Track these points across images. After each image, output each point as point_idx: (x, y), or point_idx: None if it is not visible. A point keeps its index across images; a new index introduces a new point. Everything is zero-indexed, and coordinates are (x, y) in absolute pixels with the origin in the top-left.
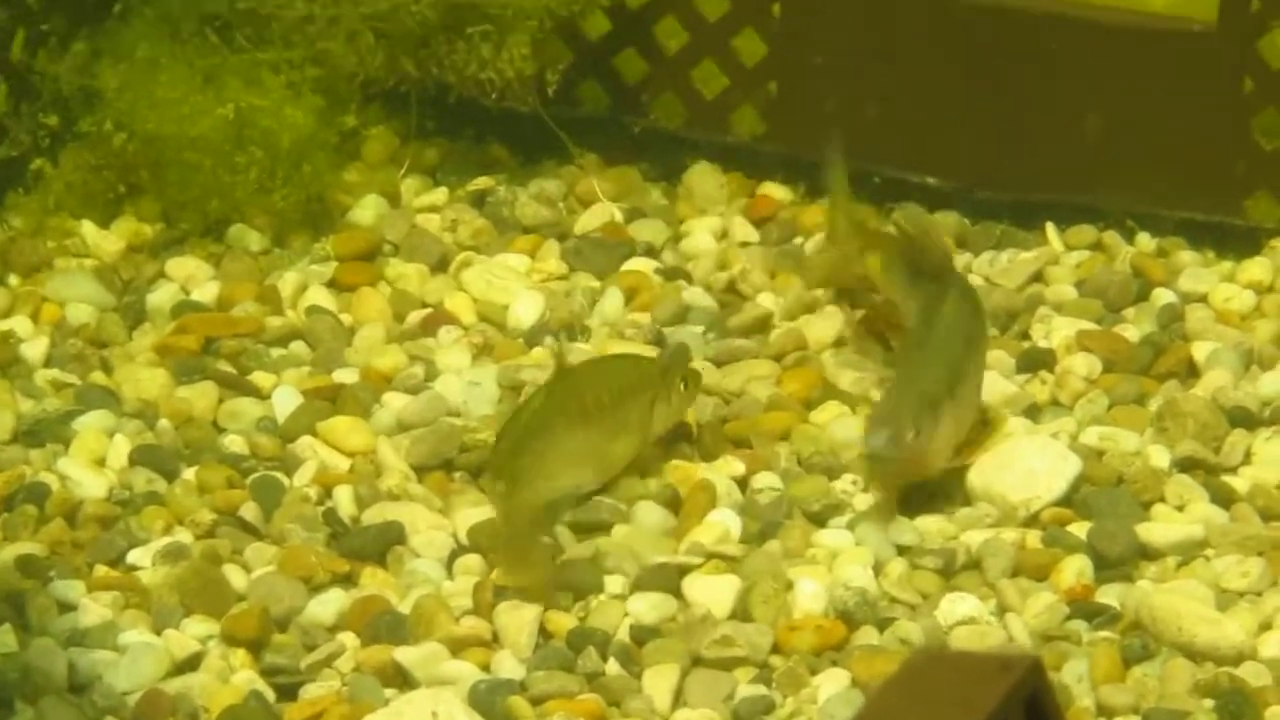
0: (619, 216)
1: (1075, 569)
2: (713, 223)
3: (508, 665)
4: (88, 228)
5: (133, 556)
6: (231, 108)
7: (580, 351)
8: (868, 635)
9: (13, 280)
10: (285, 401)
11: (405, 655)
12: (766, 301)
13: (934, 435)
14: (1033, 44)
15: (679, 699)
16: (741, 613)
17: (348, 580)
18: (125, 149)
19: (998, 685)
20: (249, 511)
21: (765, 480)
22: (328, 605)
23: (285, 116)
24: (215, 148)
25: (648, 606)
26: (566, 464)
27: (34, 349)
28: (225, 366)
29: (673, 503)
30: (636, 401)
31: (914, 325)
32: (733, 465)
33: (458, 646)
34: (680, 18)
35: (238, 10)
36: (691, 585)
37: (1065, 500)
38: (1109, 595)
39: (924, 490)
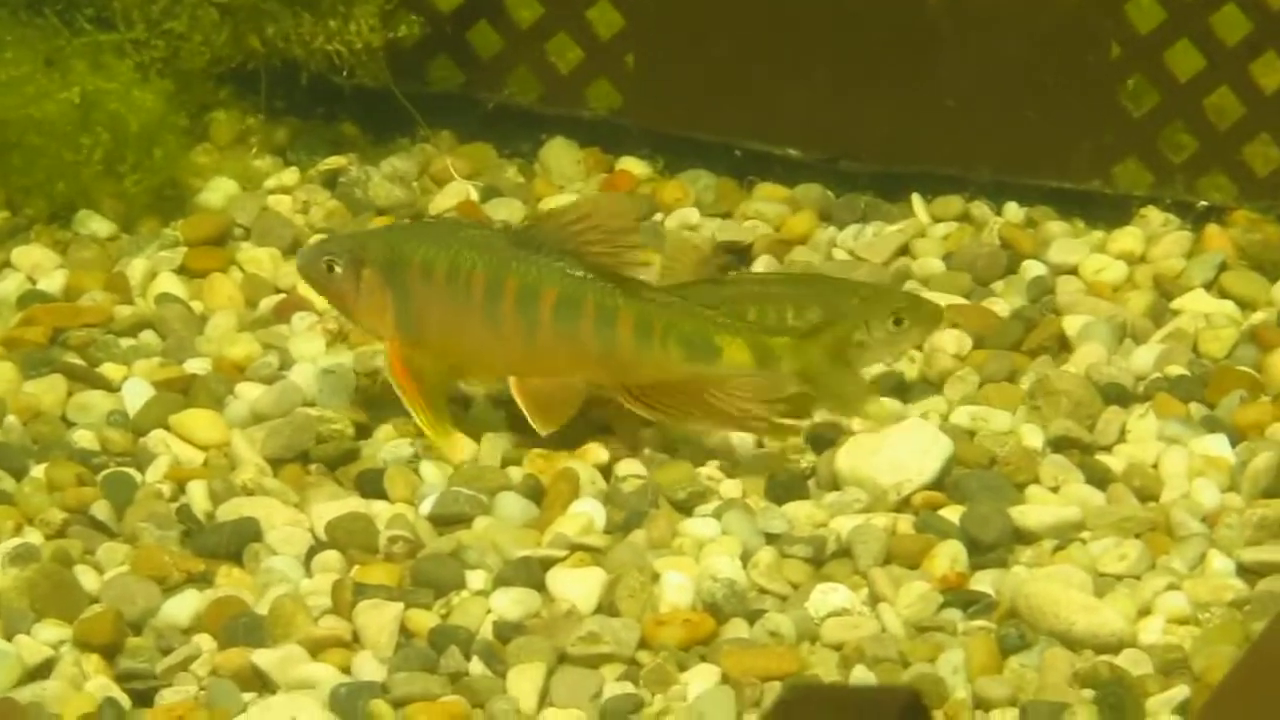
0: (475, 195)
1: (949, 555)
2: (570, 199)
3: (369, 667)
4: None
5: None
6: (77, 91)
7: None
8: (737, 628)
9: None
10: (136, 394)
11: (263, 658)
12: None
13: None
14: (898, 11)
15: (545, 698)
16: (607, 607)
17: (203, 580)
18: None
19: None
20: (100, 510)
21: (629, 468)
22: (183, 606)
23: (133, 99)
24: (60, 131)
25: (511, 602)
26: None
27: None
28: (74, 358)
29: (534, 493)
30: None
31: None
32: (596, 453)
33: (317, 648)
34: None
35: None
36: (555, 579)
37: (937, 483)
38: (984, 582)
39: (790, 476)
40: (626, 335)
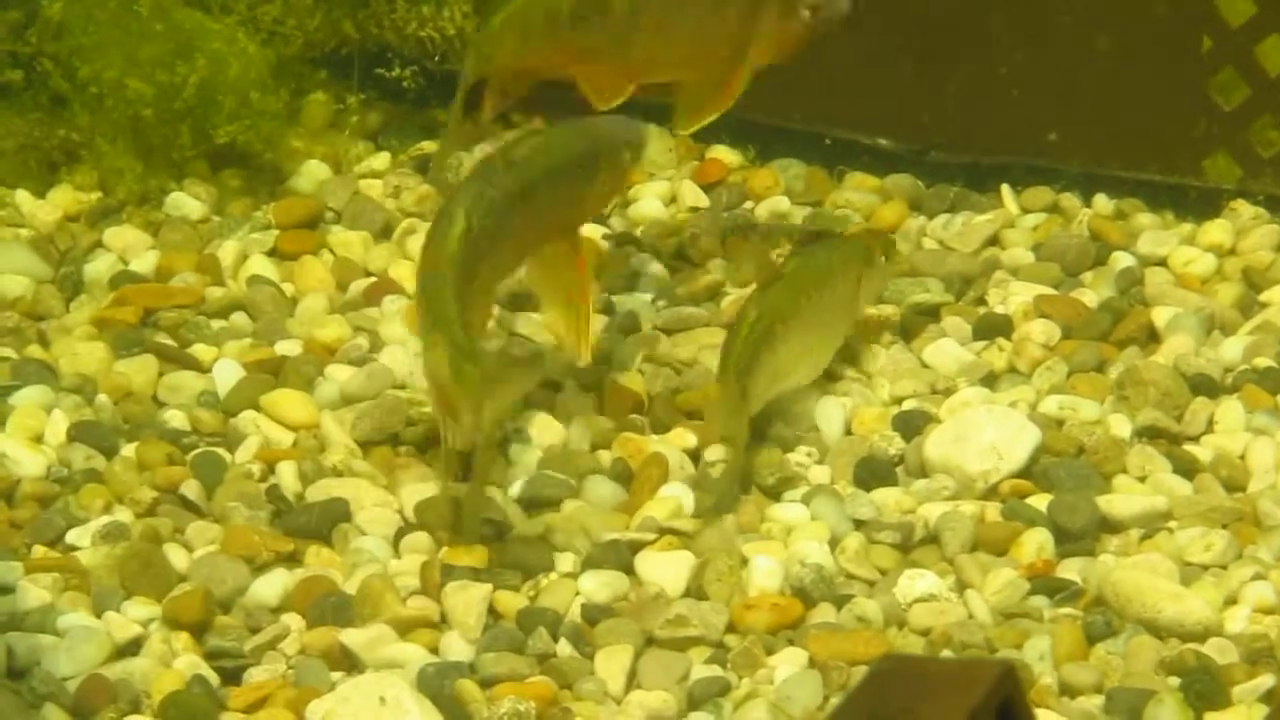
0: None
1: (1036, 543)
2: (661, 187)
3: (456, 647)
4: (22, 197)
5: (72, 536)
6: (186, 15)
7: (529, 321)
8: (825, 613)
9: None
10: (226, 375)
11: (351, 637)
12: (717, 268)
13: None
14: (988, 3)
15: (632, 680)
16: (695, 591)
17: (292, 560)
18: (63, 103)
19: (968, 695)
20: (190, 489)
21: (718, 453)
22: (272, 586)
23: (239, 42)
24: (158, 63)
25: (599, 585)
26: (792, 367)
27: None
28: (165, 339)
29: (624, 476)
30: (846, 287)
31: None
32: (685, 438)
33: (405, 628)
34: None
35: None
36: (644, 562)
37: (1025, 472)
38: (1070, 570)
39: (879, 463)
40: None
